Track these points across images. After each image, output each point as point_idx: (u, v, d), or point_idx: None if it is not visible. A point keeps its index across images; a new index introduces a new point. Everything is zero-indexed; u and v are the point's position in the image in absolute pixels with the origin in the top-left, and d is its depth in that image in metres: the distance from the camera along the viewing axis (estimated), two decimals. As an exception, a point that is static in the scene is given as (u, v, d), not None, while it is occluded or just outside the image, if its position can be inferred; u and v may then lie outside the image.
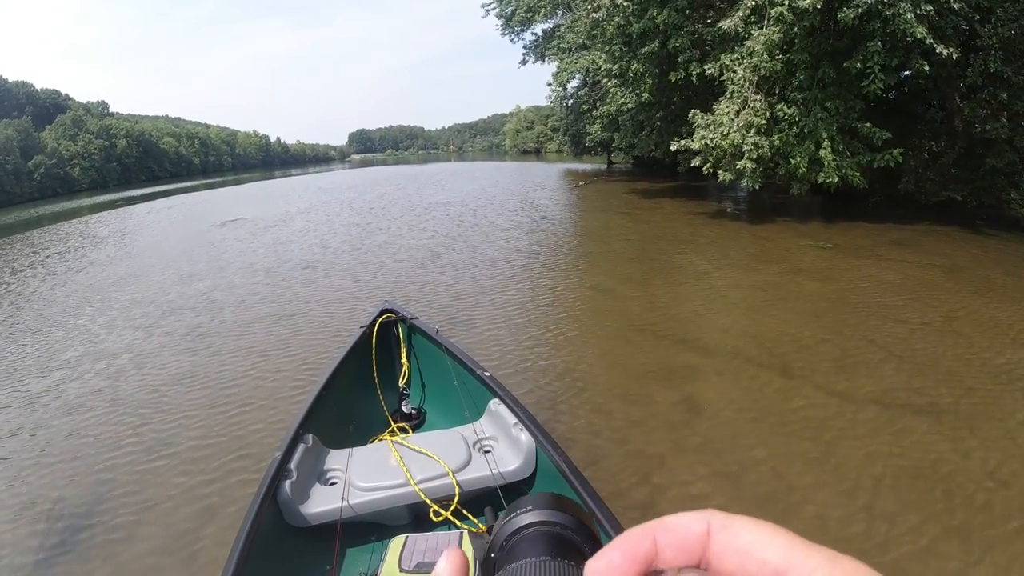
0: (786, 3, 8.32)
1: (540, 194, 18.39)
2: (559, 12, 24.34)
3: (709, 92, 14.74)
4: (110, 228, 16.89)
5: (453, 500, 2.28)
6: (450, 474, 2.32)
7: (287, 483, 2.17)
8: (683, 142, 9.74)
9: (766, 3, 8.70)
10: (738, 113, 9.04)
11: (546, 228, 11.26)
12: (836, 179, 9.58)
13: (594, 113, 18.24)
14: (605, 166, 32.36)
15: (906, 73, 10.73)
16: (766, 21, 9.37)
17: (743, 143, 8.89)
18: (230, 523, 2.71)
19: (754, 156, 8.92)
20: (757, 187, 9.53)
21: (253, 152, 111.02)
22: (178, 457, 3.44)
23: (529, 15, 25.91)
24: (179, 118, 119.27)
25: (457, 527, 2.25)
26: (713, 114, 9.44)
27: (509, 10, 27.24)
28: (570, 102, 27.46)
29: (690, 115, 9.79)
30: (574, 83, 24.21)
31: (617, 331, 5.20)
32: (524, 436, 2.42)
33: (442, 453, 2.42)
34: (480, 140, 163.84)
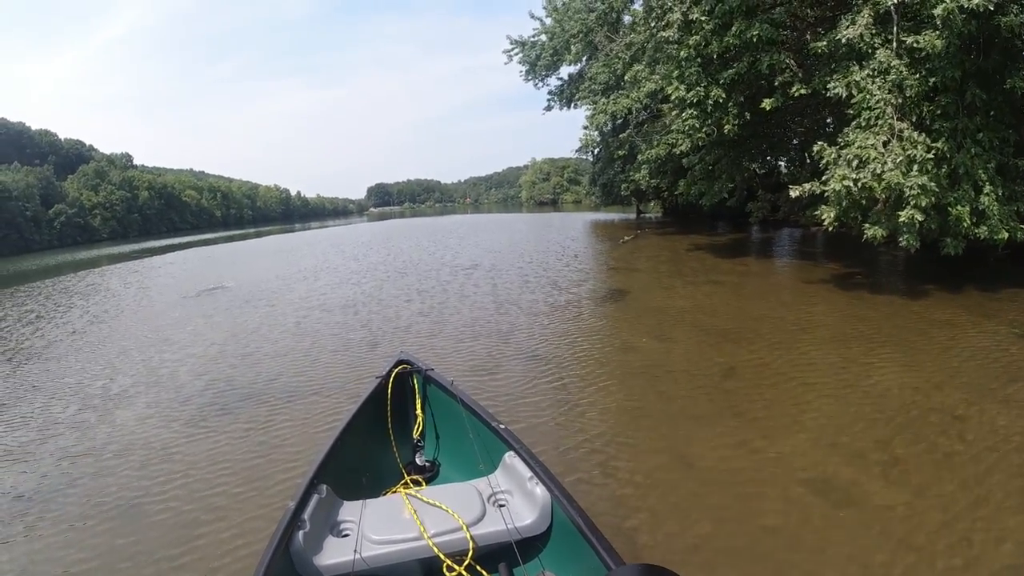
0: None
1: (580, 251, 15.91)
2: (584, 59, 23.05)
3: (789, 122, 12.64)
4: (74, 290, 14.77)
5: (467, 555, 2.15)
6: (464, 528, 2.21)
7: (300, 534, 2.07)
8: (807, 186, 7.20)
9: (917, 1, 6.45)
10: (886, 145, 6.56)
11: (619, 314, 7.61)
12: (1004, 235, 7.05)
13: (639, 157, 16.10)
14: (633, 215, 30.81)
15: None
16: (896, 28, 7.13)
17: (904, 185, 6.31)
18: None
19: (921, 204, 6.30)
20: (916, 247, 6.87)
21: (274, 205, 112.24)
22: None
23: (555, 59, 24.59)
24: (203, 171, 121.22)
25: None
26: (845, 147, 6.98)
27: (533, 55, 26.00)
28: (597, 150, 25.77)
29: (815, 149, 7.32)
30: (604, 128, 22.44)
31: None
32: (539, 490, 2.30)
33: (456, 507, 2.31)
34: (495, 192, 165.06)
